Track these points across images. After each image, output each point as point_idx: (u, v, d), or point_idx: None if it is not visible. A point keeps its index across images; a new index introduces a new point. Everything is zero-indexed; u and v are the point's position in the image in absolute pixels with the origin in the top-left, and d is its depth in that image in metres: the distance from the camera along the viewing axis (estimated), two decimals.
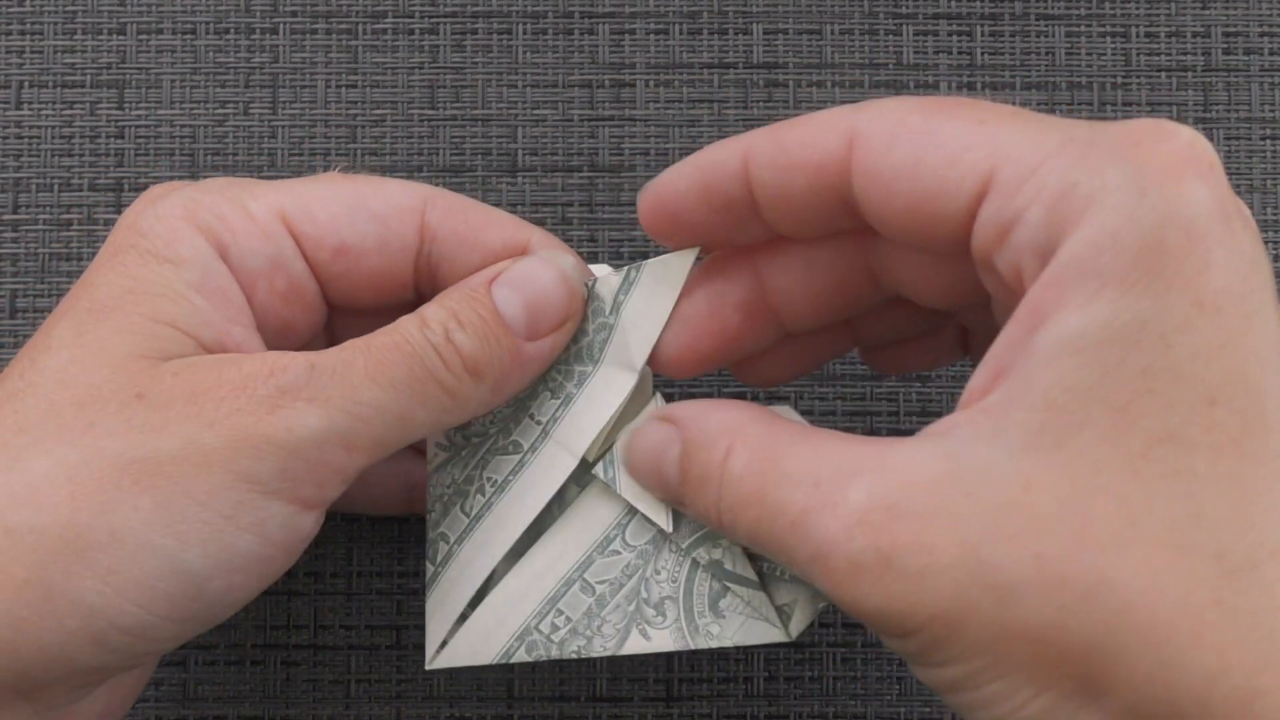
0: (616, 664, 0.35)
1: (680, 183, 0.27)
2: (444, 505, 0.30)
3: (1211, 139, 0.36)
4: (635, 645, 0.29)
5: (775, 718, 0.35)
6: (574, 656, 0.29)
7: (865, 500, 0.23)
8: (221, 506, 0.26)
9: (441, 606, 0.29)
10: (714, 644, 0.29)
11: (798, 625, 0.28)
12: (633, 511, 0.29)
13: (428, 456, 0.30)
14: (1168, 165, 0.22)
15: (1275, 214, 0.36)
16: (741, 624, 0.29)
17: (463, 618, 0.29)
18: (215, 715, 0.35)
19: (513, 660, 0.29)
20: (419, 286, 0.30)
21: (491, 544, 0.29)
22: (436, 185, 0.36)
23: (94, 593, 0.25)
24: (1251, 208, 0.36)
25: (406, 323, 0.28)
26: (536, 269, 0.29)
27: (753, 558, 0.29)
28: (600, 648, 0.29)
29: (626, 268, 0.29)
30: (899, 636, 0.23)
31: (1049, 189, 0.22)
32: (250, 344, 0.28)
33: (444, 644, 0.29)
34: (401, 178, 0.36)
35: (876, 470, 0.23)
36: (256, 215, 0.28)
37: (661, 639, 0.29)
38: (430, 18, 0.36)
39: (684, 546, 0.29)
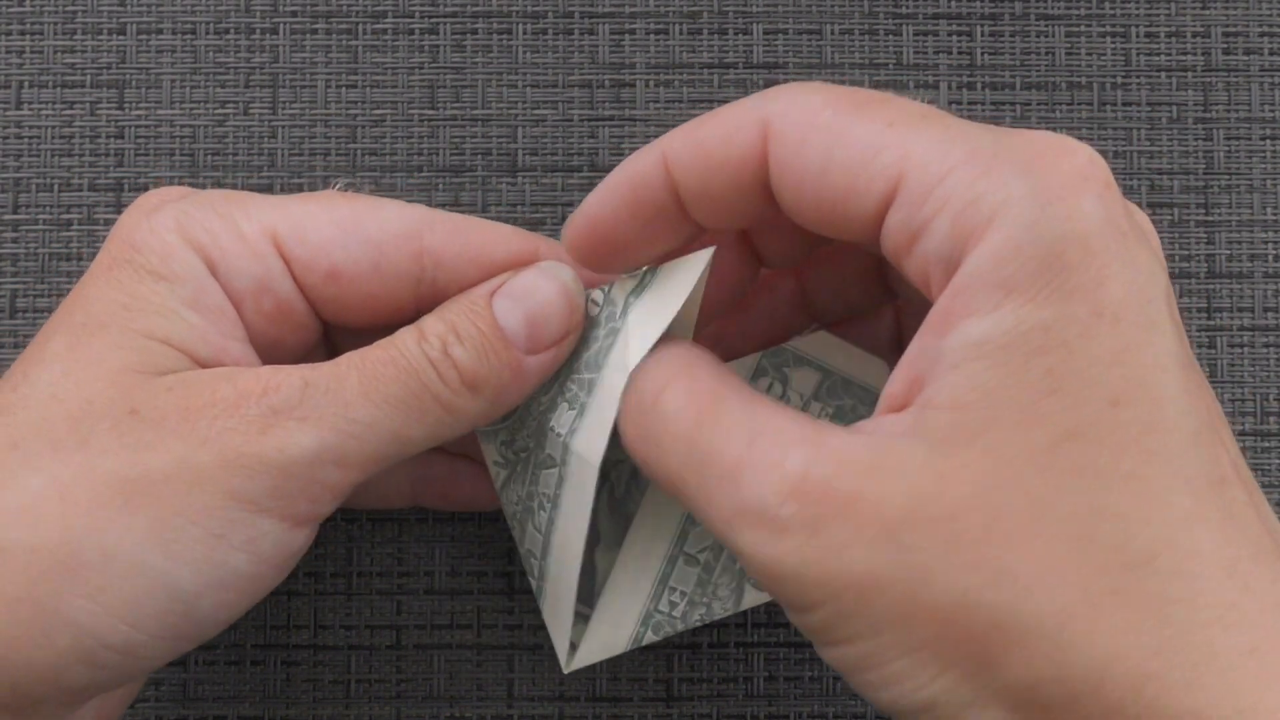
0: (616, 664, 0.35)
1: (608, 206, 0.27)
2: (519, 523, 0.30)
3: (1211, 139, 0.36)
4: (751, 599, 0.30)
5: (775, 718, 0.35)
6: (699, 624, 0.30)
7: (801, 469, 0.23)
8: (213, 525, 0.26)
9: (555, 615, 0.30)
10: None
11: None
12: (690, 520, 0.30)
13: (491, 475, 0.30)
14: (1067, 181, 0.23)
15: (1275, 214, 0.36)
16: None
17: (583, 618, 0.30)
18: (215, 715, 0.35)
19: (643, 643, 0.30)
20: (422, 310, 0.29)
21: (566, 557, 0.29)
22: (436, 185, 0.36)
23: (84, 612, 0.25)
24: (1251, 208, 0.36)
25: (404, 336, 0.28)
26: (538, 281, 0.29)
27: None
28: (721, 610, 0.30)
29: (643, 270, 0.28)
30: (806, 609, 0.24)
31: (955, 200, 0.23)
32: (245, 359, 0.28)
33: (574, 646, 0.30)
34: (401, 177, 0.36)
35: (813, 444, 0.24)
36: (247, 234, 0.28)
37: None
38: (430, 18, 0.36)
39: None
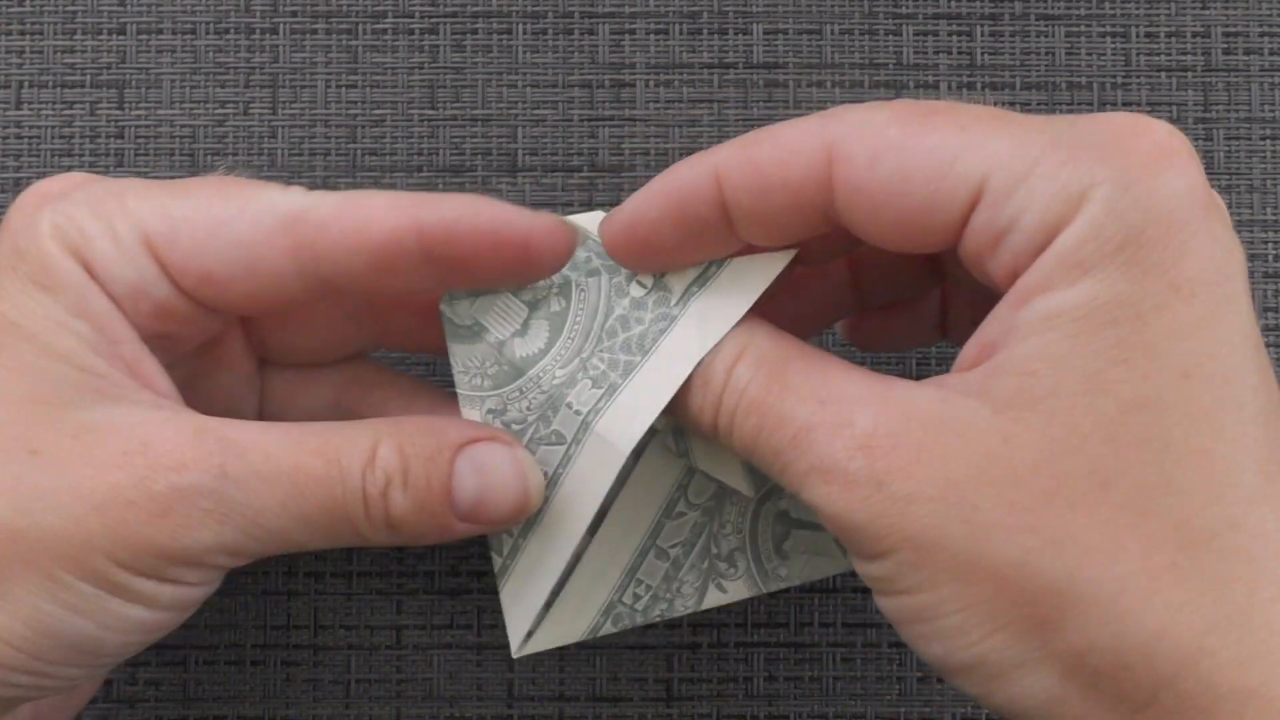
0: (616, 664, 0.35)
1: (652, 212, 0.27)
2: None
3: (1211, 139, 0.36)
4: (713, 599, 0.30)
5: (775, 718, 0.35)
6: (658, 620, 0.30)
7: (870, 427, 0.24)
8: (104, 585, 0.25)
9: (519, 598, 0.29)
10: (783, 584, 0.30)
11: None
12: (691, 472, 0.30)
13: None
14: (1148, 159, 0.23)
15: (1275, 214, 0.36)
16: (805, 562, 0.30)
17: (545, 604, 0.29)
18: (215, 715, 0.35)
19: (600, 634, 0.30)
20: (313, 296, 0.28)
21: (558, 540, 0.29)
22: (436, 185, 0.36)
23: None
24: (1251, 208, 0.36)
25: (351, 454, 0.26)
26: (509, 474, 0.27)
27: None
28: (682, 607, 0.30)
29: (708, 262, 0.28)
30: (873, 558, 0.24)
31: (1040, 194, 0.23)
32: (142, 361, 0.27)
33: (529, 633, 0.29)
34: (401, 177, 0.36)
35: (881, 402, 0.24)
36: (121, 237, 0.27)
37: (736, 589, 0.30)
38: (430, 18, 0.36)
39: (754, 501, 0.30)
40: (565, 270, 0.28)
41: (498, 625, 0.35)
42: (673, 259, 0.27)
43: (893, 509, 0.23)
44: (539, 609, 0.29)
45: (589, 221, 0.29)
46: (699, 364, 0.27)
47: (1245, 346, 0.23)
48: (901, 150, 0.24)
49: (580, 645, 0.35)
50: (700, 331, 0.27)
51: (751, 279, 0.27)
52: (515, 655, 0.29)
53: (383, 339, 0.31)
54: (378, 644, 0.35)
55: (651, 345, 0.28)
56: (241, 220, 0.27)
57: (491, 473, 0.27)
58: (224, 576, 0.27)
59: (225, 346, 0.30)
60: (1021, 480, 0.23)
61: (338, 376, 0.32)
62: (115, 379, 0.26)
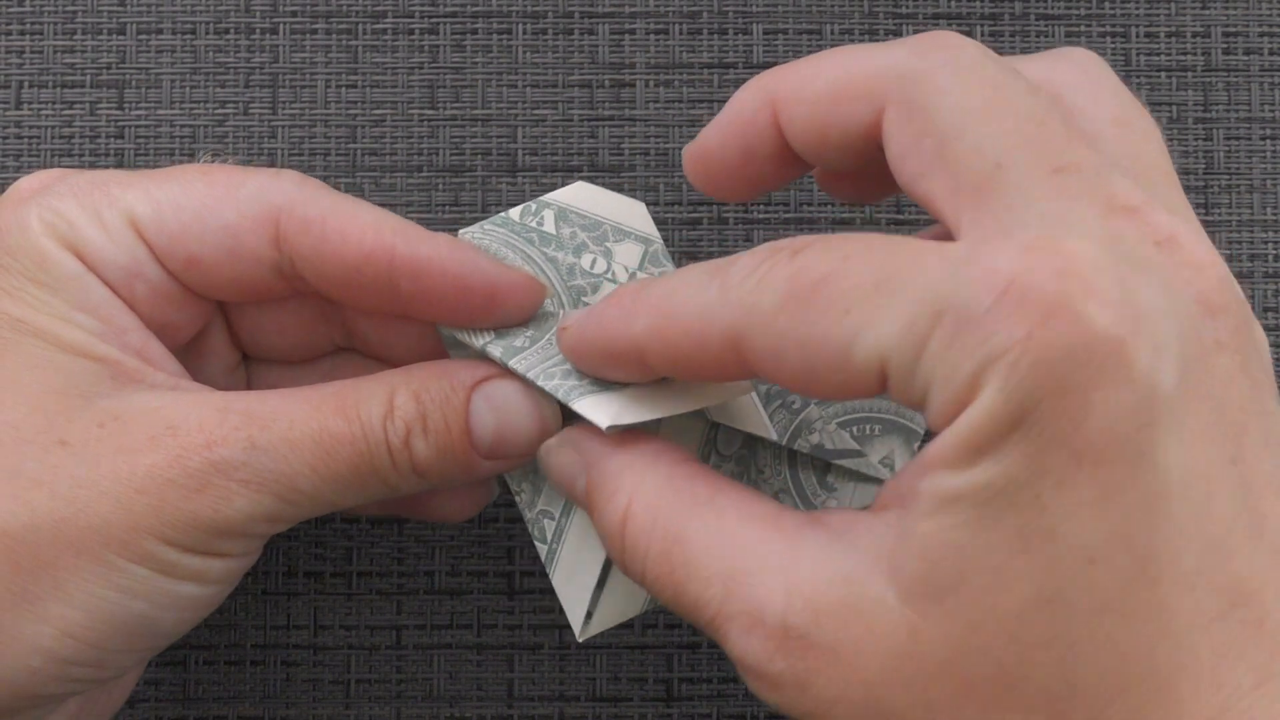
0: (616, 664, 0.35)
1: (717, 141, 0.27)
2: (532, 484, 0.30)
3: (1211, 139, 0.36)
4: None
5: (775, 718, 0.35)
6: None
7: (779, 620, 0.23)
8: (156, 565, 0.26)
9: (571, 581, 0.29)
10: None
11: (901, 465, 0.30)
12: (714, 425, 0.29)
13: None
14: (1043, 305, 0.20)
15: (1275, 214, 0.36)
16: (854, 490, 0.30)
17: (599, 584, 0.29)
18: (215, 715, 0.35)
19: (658, 606, 0.29)
20: (294, 288, 0.29)
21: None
22: (436, 185, 0.36)
23: (49, 638, 0.25)
24: (1251, 208, 0.36)
25: (371, 408, 0.27)
26: (523, 405, 0.28)
27: (845, 424, 0.30)
28: None
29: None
30: None
31: (936, 378, 0.21)
32: (150, 346, 0.27)
33: (589, 615, 0.29)
34: (401, 177, 0.36)
35: (785, 582, 0.23)
36: (109, 223, 0.27)
37: None
38: (430, 18, 0.36)
39: (783, 442, 0.29)
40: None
41: (497, 625, 0.35)
42: (747, 185, 0.28)
43: (819, 709, 0.23)
44: (592, 589, 0.29)
45: (569, 195, 0.29)
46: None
47: (1166, 507, 0.21)
48: (797, 346, 0.23)
49: (580, 645, 0.35)
50: (636, 400, 0.27)
51: (699, 393, 0.27)
52: (580, 639, 0.29)
53: (356, 344, 0.31)
54: (378, 644, 0.35)
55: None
56: (227, 205, 0.27)
57: (506, 406, 0.28)
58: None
59: (209, 340, 0.30)
60: (931, 681, 0.22)
61: (323, 370, 0.32)
62: (129, 365, 0.27)
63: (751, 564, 0.24)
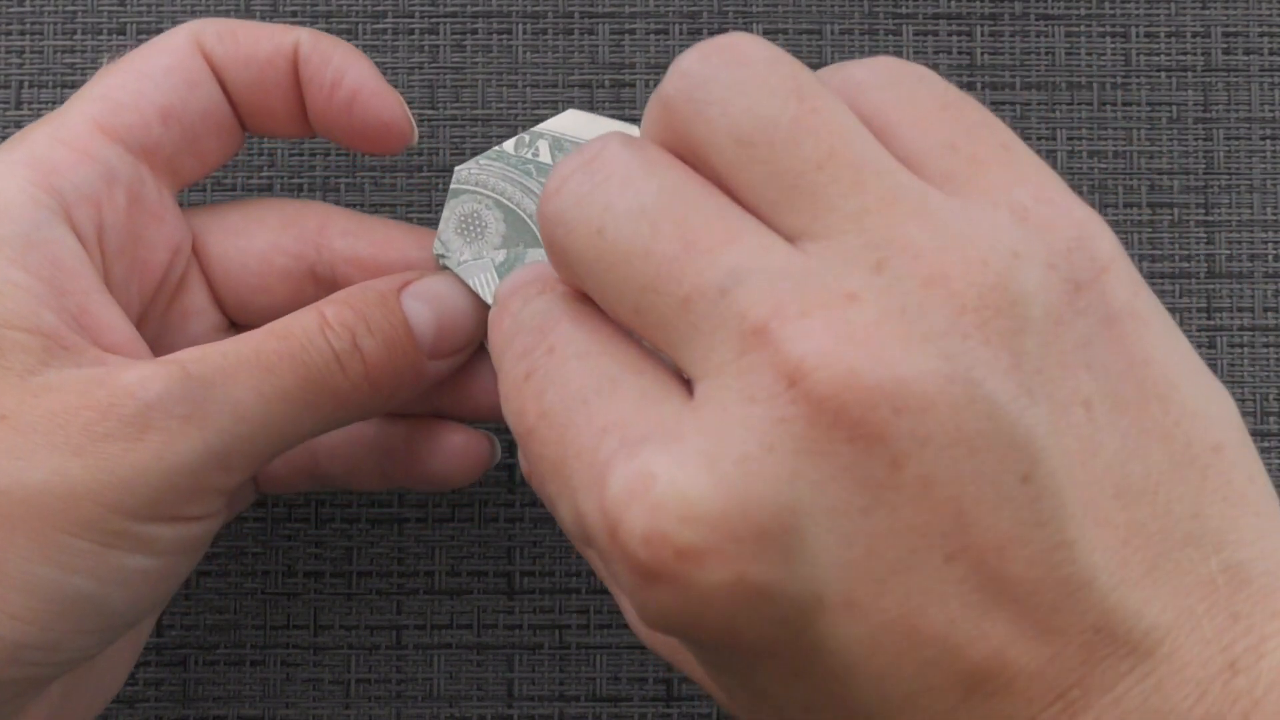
0: (616, 664, 0.35)
1: None
2: None
3: (1211, 139, 0.36)
4: None
5: None
6: None
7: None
8: (99, 537, 0.25)
9: None
10: None
11: None
12: None
13: None
14: (642, 568, 0.20)
15: (1275, 214, 0.36)
16: None
17: None
18: (215, 715, 0.35)
19: None
20: (227, 118, 0.29)
21: None
22: (436, 185, 0.36)
23: None
24: (1251, 208, 0.36)
25: (303, 322, 0.26)
26: (458, 294, 0.28)
27: None
28: None
29: None
30: None
31: None
32: (92, 308, 0.26)
33: None
34: (401, 177, 0.36)
35: None
36: (71, 140, 0.27)
37: None
38: (430, 18, 0.36)
39: None
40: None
41: (497, 625, 0.35)
42: None
43: None
44: None
45: (562, 123, 0.29)
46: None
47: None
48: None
49: (580, 645, 0.35)
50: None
51: None
52: None
53: None
54: (378, 644, 0.35)
55: None
56: (162, 54, 0.28)
57: (440, 298, 0.28)
58: (226, 515, 0.27)
59: (189, 297, 0.30)
60: None
61: None
62: (65, 337, 0.25)
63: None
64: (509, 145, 0.29)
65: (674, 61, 0.22)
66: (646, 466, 0.19)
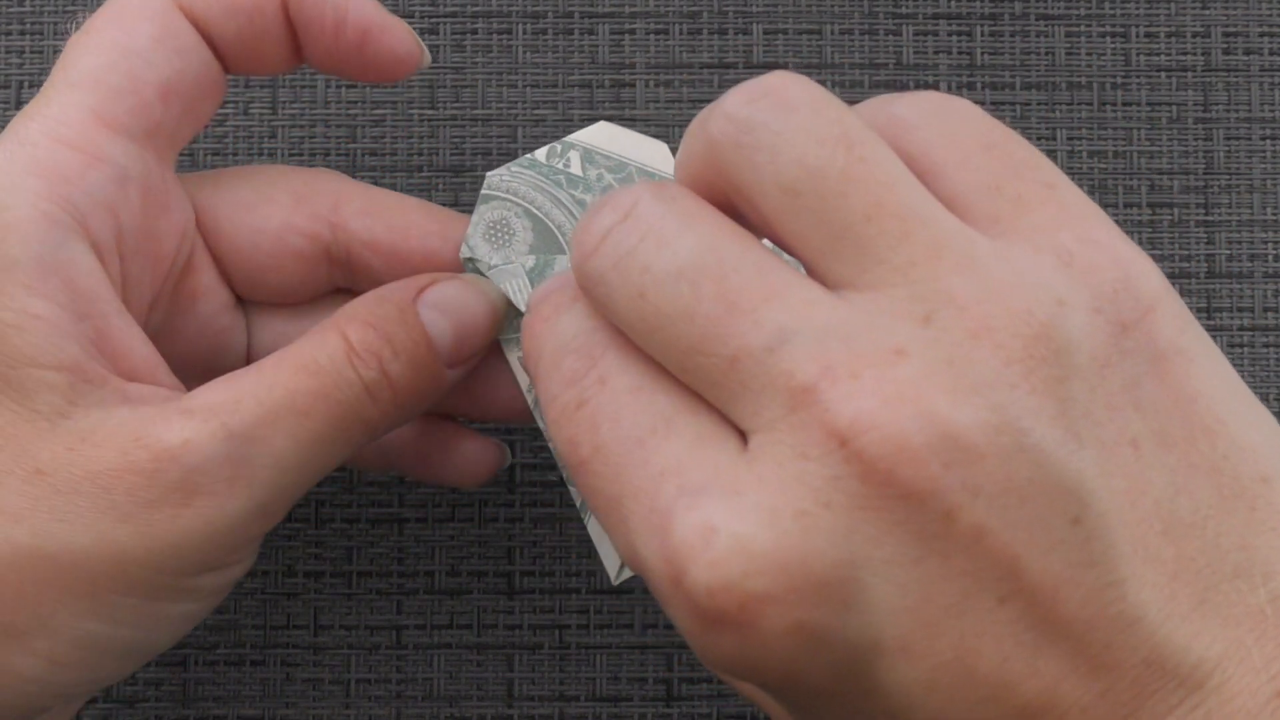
0: (616, 664, 0.35)
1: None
2: None
3: (1211, 139, 0.36)
4: None
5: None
6: None
7: None
8: (147, 592, 0.25)
9: None
10: None
11: None
12: None
13: (524, 390, 0.29)
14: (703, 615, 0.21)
15: (1275, 214, 0.36)
16: None
17: None
18: (215, 715, 0.35)
19: None
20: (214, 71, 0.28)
21: None
22: (436, 185, 0.36)
23: (40, 669, 0.25)
24: (1251, 208, 0.36)
25: (329, 351, 0.26)
26: (466, 296, 0.28)
27: None
28: None
29: None
30: None
31: None
32: (113, 329, 0.25)
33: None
34: (401, 177, 0.36)
35: None
36: (75, 141, 0.26)
37: None
38: (430, 18, 0.36)
39: None
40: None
41: (497, 625, 0.35)
42: None
43: None
44: None
45: (593, 135, 0.29)
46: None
47: None
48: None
49: (580, 645, 0.35)
50: None
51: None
52: (615, 582, 0.29)
53: (358, 282, 0.30)
54: (378, 644, 0.35)
55: None
56: (142, 19, 0.26)
57: (453, 304, 0.28)
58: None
59: (198, 278, 0.29)
60: None
61: (324, 311, 0.30)
62: (88, 369, 0.25)
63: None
64: (541, 154, 0.29)
65: (717, 102, 0.22)
66: (709, 519, 0.20)
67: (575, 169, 0.29)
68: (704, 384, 0.21)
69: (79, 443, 0.24)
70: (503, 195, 0.29)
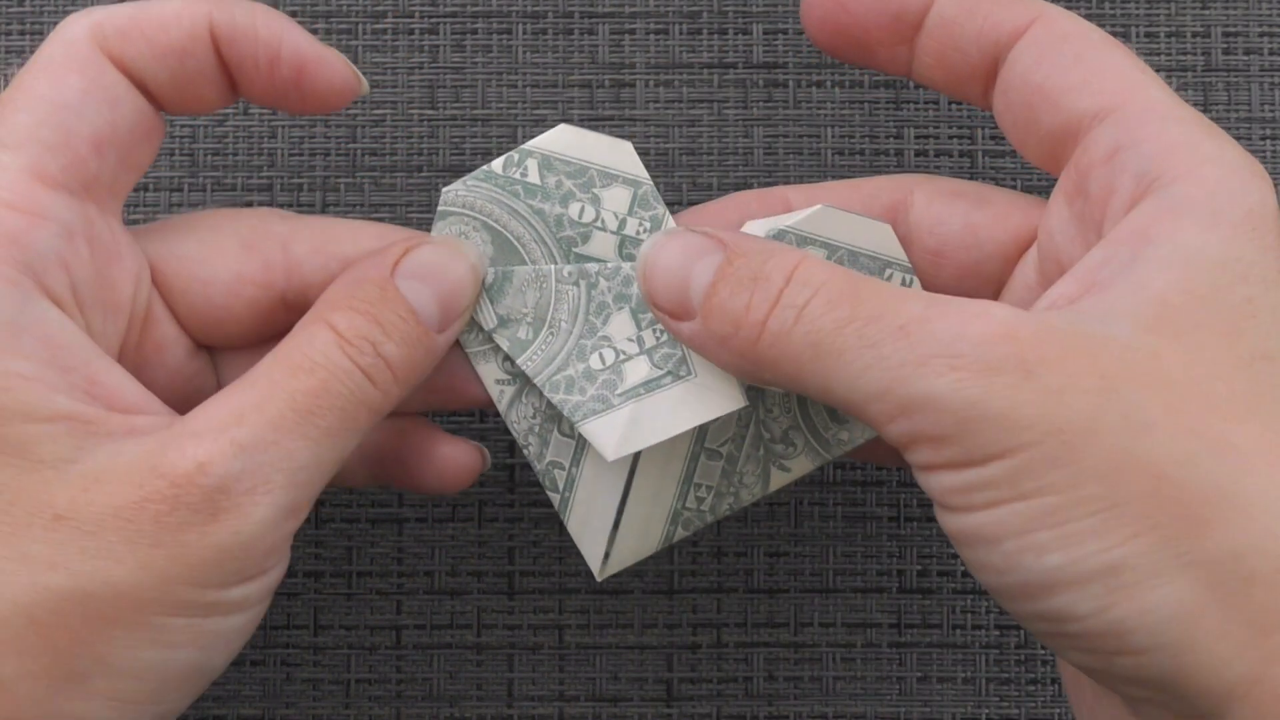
0: (616, 664, 0.35)
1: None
2: (539, 436, 0.30)
3: None
4: (779, 480, 0.30)
5: (775, 718, 0.35)
6: (728, 514, 0.30)
7: (1011, 319, 0.24)
8: (196, 610, 0.25)
9: (587, 526, 0.30)
10: (847, 448, 0.30)
11: None
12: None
13: (494, 398, 0.30)
14: (1256, 174, 0.26)
15: None
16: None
17: (613, 526, 0.30)
18: (215, 715, 0.35)
19: (675, 541, 0.30)
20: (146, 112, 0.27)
21: (610, 465, 0.29)
22: (436, 185, 0.36)
23: (106, 709, 0.25)
24: None
25: (321, 345, 0.26)
26: (445, 261, 0.28)
27: None
28: (748, 496, 0.30)
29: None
30: (996, 455, 0.23)
31: (1173, 136, 0.25)
32: (99, 376, 0.26)
33: (606, 555, 0.30)
34: (401, 177, 0.36)
35: (1004, 308, 0.24)
36: (15, 202, 0.25)
37: (799, 464, 0.30)
38: (430, 18, 0.36)
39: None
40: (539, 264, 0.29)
41: (497, 625, 0.35)
42: (860, 45, 0.29)
43: (1042, 397, 0.23)
44: (608, 531, 0.29)
45: (552, 140, 0.29)
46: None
47: None
48: (1074, 60, 0.27)
49: (580, 645, 0.35)
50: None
51: (701, 406, 0.28)
52: (599, 579, 0.30)
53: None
54: (378, 644, 0.35)
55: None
56: (68, 70, 0.26)
57: (432, 271, 0.28)
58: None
59: (157, 329, 0.29)
60: (1176, 390, 0.23)
61: None
62: (86, 414, 0.25)
63: (956, 302, 0.24)
64: (497, 165, 0.29)
65: None
66: None
67: (533, 177, 0.29)
68: None
69: (93, 484, 0.24)
70: (459, 210, 0.29)
